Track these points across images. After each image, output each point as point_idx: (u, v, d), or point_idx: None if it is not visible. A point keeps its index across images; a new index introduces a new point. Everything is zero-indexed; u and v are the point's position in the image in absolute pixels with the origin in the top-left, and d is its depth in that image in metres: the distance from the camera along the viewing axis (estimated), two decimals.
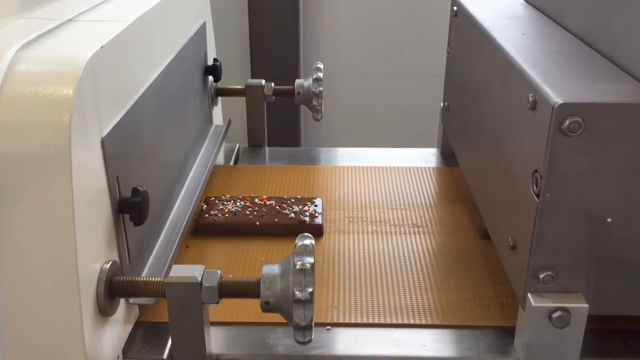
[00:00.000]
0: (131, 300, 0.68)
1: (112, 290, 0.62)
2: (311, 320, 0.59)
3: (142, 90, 0.74)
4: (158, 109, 0.80)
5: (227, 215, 0.91)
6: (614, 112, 0.57)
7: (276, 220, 0.90)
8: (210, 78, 1.13)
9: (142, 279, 0.63)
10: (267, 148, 1.19)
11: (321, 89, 1.08)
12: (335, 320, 0.73)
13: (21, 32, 0.63)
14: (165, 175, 0.84)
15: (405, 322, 0.73)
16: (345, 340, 0.71)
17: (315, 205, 0.93)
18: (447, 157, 1.13)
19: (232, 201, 0.94)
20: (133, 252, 0.69)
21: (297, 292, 0.59)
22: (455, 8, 1.02)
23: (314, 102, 1.09)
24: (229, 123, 1.19)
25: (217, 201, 0.94)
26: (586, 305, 0.62)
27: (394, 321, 0.73)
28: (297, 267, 0.59)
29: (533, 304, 0.62)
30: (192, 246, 0.86)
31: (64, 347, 0.59)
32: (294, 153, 1.20)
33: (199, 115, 1.06)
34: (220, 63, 1.12)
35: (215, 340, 0.69)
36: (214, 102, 1.16)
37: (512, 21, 0.86)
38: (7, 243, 0.56)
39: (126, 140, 0.68)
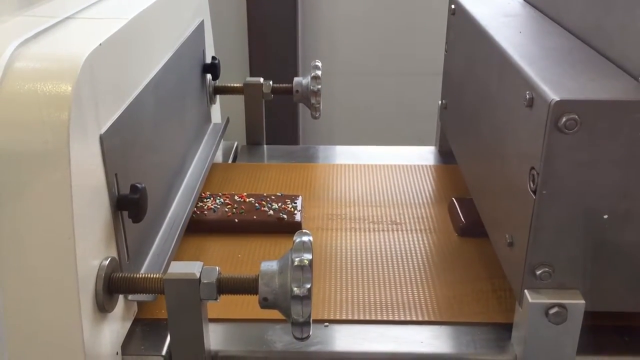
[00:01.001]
0: (130, 297, 0.68)
1: (111, 286, 0.63)
2: (309, 316, 0.60)
3: (140, 88, 0.74)
4: (156, 107, 0.80)
5: (205, 212, 0.91)
6: (611, 109, 0.57)
7: (254, 217, 0.90)
8: (209, 76, 1.13)
9: (140, 275, 0.64)
10: (265, 146, 1.19)
11: (319, 87, 1.08)
12: (333, 317, 0.73)
13: (20, 30, 0.63)
14: (163, 172, 0.84)
15: (402, 318, 0.73)
16: (343, 337, 0.71)
17: (295, 203, 0.93)
18: (445, 155, 1.14)
19: (211, 198, 0.94)
20: (132, 249, 0.69)
21: (295, 289, 0.59)
22: (453, 6, 1.03)
23: (312, 100, 1.09)
24: (228, 121, 1.19)
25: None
26: (583, 301, 0.62)
27: (391, 318, 0.73)
28: (296, 263, 0.59)
29: (530, 300, 0.63)
30: None
31: (63, 344, 0.59)
32: (292, 151, 1.20)
33: (198, 113, 1.06)
34: (219, 61, 1.13)
35: (214, 336, 0.69)
36: (212, 100, 1.16)
37: (509, 19, 0.87)
38: (6, 240, 0.56)
39: (125, 137, 0.68)
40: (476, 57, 0.88)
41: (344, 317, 0.73)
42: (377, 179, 1.06)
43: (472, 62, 0.90)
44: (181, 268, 0.62)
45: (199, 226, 0.89)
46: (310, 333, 0.61)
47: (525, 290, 0.64)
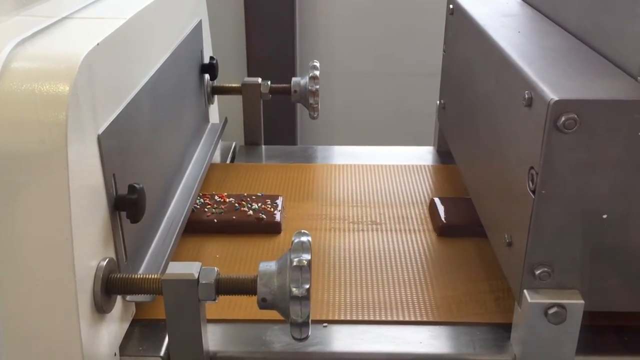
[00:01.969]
0: (128, 298, 0.68)
1: (109, 287, 0.62)
2: (308, 316, 0.60)
3: (138, 88, 0.74)
4: (154, 107, 0.80)
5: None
6: (609, 109, 0.57)
7: (234, 217, 0.90)
8: (207, 76, 1.12)
9: (139, 276, 0.63)
10: (263, 146, 1.19)
11: (317, 87, 1.08)
12: (331, 317, 0.73)
13: (17, 30, 0.63)
14: (161, 172, 0.84)
15: (401, 319, 0.73)
16: (342, 337, 0.71)
17: (275, 203, 0.93)
18: (444, 155, 1.14)
19: None
20: (130, 250, 0.69)
21: (294, 289, 0.59)
22: (451, 6, 1.02)
23: (311, 100, 1.09)
24: (226, 121, 1.19)
25: None
26: (582, 301, 0.62)
27: (389, 318, 0.73)
28: (294, 263, 0.59)
29: (529, 300, 0.63)
30: None
31: (61, 345, 0.59)
32: (290, 151, 1.20)
33: (196, 114, 1.06)
34: (217, 61, 1.12)
35: (212, 337, 0.69)
36: (210, 101, 1.16)
37: (508, 19, 0.87)
38: (3, 241, 0.56)
39: (122, 137, 0.68)
40: (475, 57, 0.88)
41: (342, 318, 0.73)
42: (375, 179, 1.06)
43: (470, 62, 0.90)
44: (179, 268, 0.62)
45: None
46: (309, 333, 0.61)
47: (525, 290, 0.63)
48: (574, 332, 0.63)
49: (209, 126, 1.14)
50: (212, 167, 1.08)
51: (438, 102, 1.12)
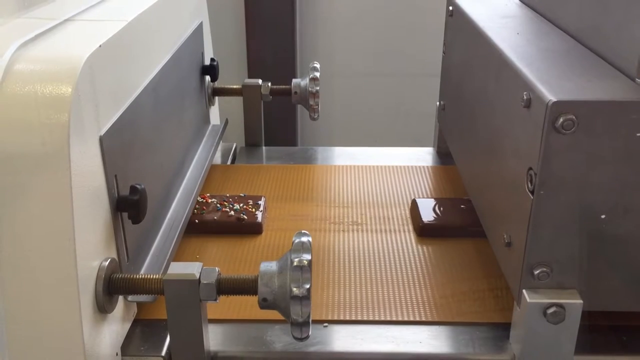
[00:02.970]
0: (129, 298, 0.68)
1: (111, 287, 0.63)
2: (308, 316, 0.60)
3: (140, 89, 0.74)
4: (156, 108, 0.81)
5: None
6: (608, 110, 0.58)
7: (215, 217, 0.90)
8: (208, 78, 1.13)
9: (140, 276, 0.64)
10: (264, 147, 1.20)
11: (318, 88, 1.09)
12: (331, 318, 0.73)
13: (20, 32, 0.63)
14: (163, 173, 0.85)
15: (401, 318, 0.73)
16: (342, 337, 0.71)
17: (257, 204, 0.94)
18: (443, 156, 1.14)
19: None
20: (131, 250, 0.69)
21: (294, 289, 0.59)
22: (450, 8, 1.03)
23: (311, 102, 1.10)
24: (226, 122, 1.19)
25: None
26: (580, 301, 0.63)
27: (389, 318, 0.73)
28: (295, 264, 0.60)
29: (528, 300, 0.63)
30: None
31: (63, 345, 0.59)
32: (290, 152, 1.20)
33: (197, 115, 1.06)
34: (218, 63, 1.13)
35: (213, 337, 0.70)
36: (211, 102, 1.16)
37: (507, 20, 0.87)
38: (6, 241, 0.56)
39: (124, 138, 0.68)
40: (474, 59, 0.88)
41: (342, 318, 0.73)
42: (375, 180, 1.06)
43: (469, 63, 0.91)
44: (181, 269, 0.62)
45: None
46: (310, 333, 0.61)
47: (524, 290, 0.64)
48: (573, 331, 0.64)
49: (209, 127, 1.15)
50: (212, 168, 1.08)
51: (438, 103, 1.12)
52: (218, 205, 0.93)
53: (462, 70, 0.96)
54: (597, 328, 0.69)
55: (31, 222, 0.56)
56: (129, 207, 0.66)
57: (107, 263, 0.62)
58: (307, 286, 0.59)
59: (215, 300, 0.63)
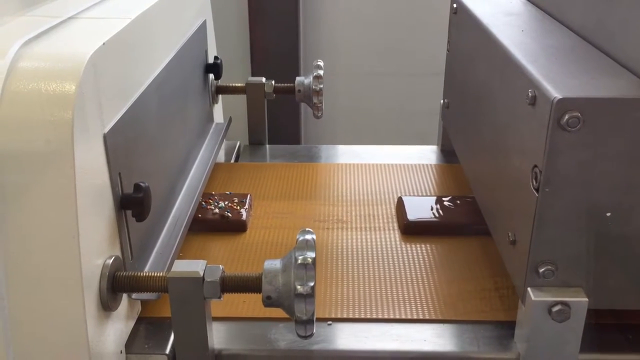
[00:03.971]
0: (134, 296, 0.68)
1: (115, 285, 0.63)
2: (313, 314, 0.60)
3: (143, 87, 0.74)
4: (160, 106, 0.81)
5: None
6: (613, 107, 0.57)
7: (199, 215, 0.90)
8: (211, 76, 1.13)
9: (144, 274, 0.64)
10: (267, 146, 1.20)
11: (321, 86, 1.09)
12: (334, 316, 0.73)
13: (24, 30, 0.63)
14: (167, 171, 0.85)
15: (405, 317, 0.73)
16: (346, 335, 0.71)
17: (242, 201, 0.94)
18: (447, 154, 1.14)
19: None
20: (135, 248, 0.69)
21: (298, 287, 0.59)
22: (455, 5, 1.03)
23: (315, 100, 1.09)
24: (230, 121, 1.19)
25: None
26: (586, 299, 0.63)
27: (393, 316, 0.73)
28: (299, 261, 0.59)
29: (533, 298, 0.63)
30: None
31: (67, 342, 0.59)
32: (294, 151, 1.20)
33: (200, 113, 1.06)
34: (221, 61, 1.13)
35: (217, 335, 0.70)
36: (214, 100, 1.16)
37: (511, 18, 0.87)
38: (10, 239, 0.56)
39: (128, 136, 0.68)
40: (478, 56, 0.88)
41: (345, 316, 0.73)
42: (378, 178, 1.06)
43: (474, 61, 0.90)
44: (185, 266, 0.62)
45: None
46: (314, 331, 0.61)
47: (528, 288, 0.64)
48: (578, 329, 0.63)
49: (213, 126, 1.15)
50: (216, 166, 1.08)
51: (442, 101, 1.12)
52: (203, 202, 0.93)
53: (466, 68, 0.96)
54: (602, 326, 0.69)
55: (35, 220, 0.56)
56: (133, 205, 0.66)
57: (111, 261, 0.62)
58: (311, 284, 0.59)
59: (219, 298, 0.63)
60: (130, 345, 0.68)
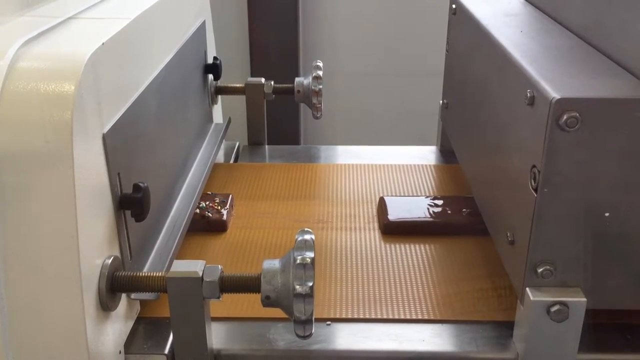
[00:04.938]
0: (133, 296, 0.68)
1: (114, 285, 0.63)
2: (311, 314, 0.60)
3: (142, 88, 0.74)
4: (159, 107, 0.81)
5: None
6: (611, 107, 0.57)
7: None
8: (210, 76, 1.13)
9: (143, 274, 0.64)
10: (267, 146, 1.20)
11: (321, 87, 1.09)
12: (333, 316, 0.73)
13: (23, 30, 0.63)
14: (166, 172, 0.85)
15: (404, 317, 0.73)
16: (345, 335, 0.71)
17: (224, 201, 0.94)
18: (447, 155, 1.14)
19: None
20: (134, 248, 0.69)
21: (297, 287, 0.59)
22: (454, 6, 1.03)
23: (314, 100, 1.09)
24: (229, 121, 1.19)
25: None
26: (584, 299, 0.63)
27: (392, 316, 0.73)
28: (298, 261, 0.60)
29: (531, 298, 0.63)
30: None
31: (66, 342, 0.59)
32: (293, 151, 1.20)
33: (199, 113, 1.06)
34: (220, 61, 1.13)
35: (216, 335, 0.70)
36: (214, 101, 1.16)
37: (510, 18, 0.87)
38: (9, 239, 0.56)
39: (127, 136, 0.68)
40: (477, 56, 0.88)
41: (344, 316, 0.73)
42: (378, 178, 1.06)
43: (473, 62, 0.91)
44: (184, 266, 0.62)
45: None
46: (313, 331, 0.61)
47: (527, 288, 0.64)
48: (577, 330, 0.63)
49: (212, 126, 1.15)
50: (215, 166, 1.08)
51: (441, 101, 1.12)
52: None
53: (465, 69, 0.96)
54: (601, 326, 0.69)
55: (34, 220, 0.56)
56: (132, 205, 0.66)
57: (110, 261, 0.62)
58: (310, 284, 0.59)
59: (218, 298, 0.63)
60: (129, 345, 0.68)
